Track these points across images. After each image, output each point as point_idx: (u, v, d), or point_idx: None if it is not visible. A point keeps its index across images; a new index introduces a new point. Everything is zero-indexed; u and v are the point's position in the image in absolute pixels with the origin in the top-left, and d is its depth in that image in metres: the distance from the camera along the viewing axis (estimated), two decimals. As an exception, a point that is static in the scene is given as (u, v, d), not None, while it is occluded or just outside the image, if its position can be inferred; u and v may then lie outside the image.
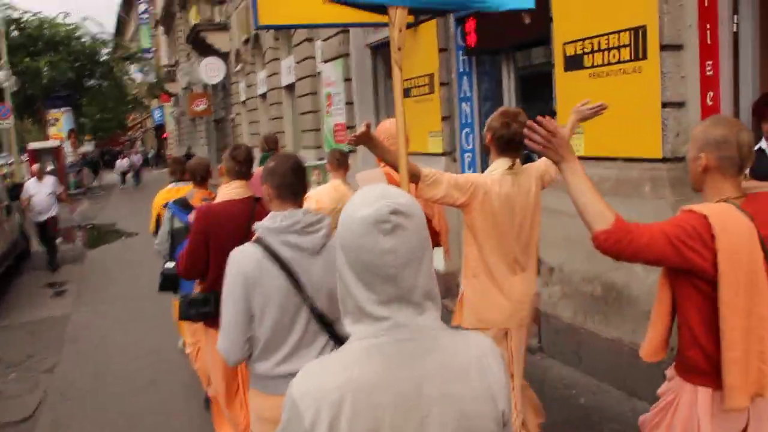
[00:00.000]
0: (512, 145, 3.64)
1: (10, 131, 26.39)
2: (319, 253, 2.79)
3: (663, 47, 5.15)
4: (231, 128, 25.37)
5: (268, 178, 2.90)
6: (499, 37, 7.52)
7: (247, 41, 21.45)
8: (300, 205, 2.90)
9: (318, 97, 14.83)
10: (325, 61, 12.36)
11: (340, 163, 5.86)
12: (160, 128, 57.68)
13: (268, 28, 3.98)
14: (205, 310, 4.00)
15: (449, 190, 3.54)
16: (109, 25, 57.98)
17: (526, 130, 2.47)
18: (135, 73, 39.70)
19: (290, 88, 17.80)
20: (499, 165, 3.70)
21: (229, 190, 4.11)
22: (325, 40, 12.30)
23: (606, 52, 5.66)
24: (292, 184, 2.88)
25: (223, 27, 25.09)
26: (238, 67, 22.94)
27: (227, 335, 2.76)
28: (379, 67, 11.40)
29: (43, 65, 30.52)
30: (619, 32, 5.50)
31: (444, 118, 8.46)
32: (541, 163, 3.87)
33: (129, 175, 36.27)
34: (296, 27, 3.96)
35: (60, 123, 32.69)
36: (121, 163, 36.50)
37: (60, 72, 31.20)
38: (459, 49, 8.27)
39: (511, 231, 3.67)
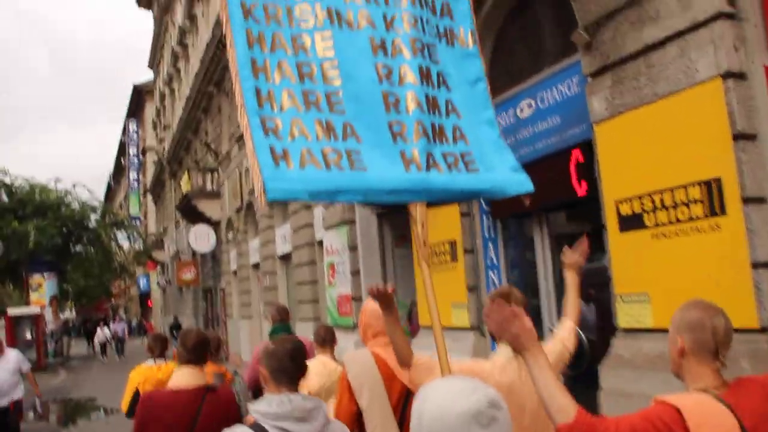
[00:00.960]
0: None
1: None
2: None
3: (745, 200, 4.55)
4: (221, 298, 24.48)
5: (265, 360, 2.84)
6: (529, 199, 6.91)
7: (239, 209, 21.05)
8: (296, 389, 2.80)
9: (317, 267, 14.13)
10: (327, 229, 11.74)
11: (325, 340, 5.68)
12: (144, 296, 56.59)
13: (279, 200, 3.55)
14: None
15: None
16: (99, 192, 58.21)
17: (485, 311, 2.41)
18: (122, 240, 39.18)
19: (286, 257, 17.17)
20: (503, 350, 3.36)
21: (178, 377, 3.91)
22: (327, 206, 11.73)
23: (672, 209, 5.04)
24: (288, 369, 2.81)
25: (215, 195, 24.84)
26: (230, 236, 22.41)
27: None
28: (386, 235, 10.77)
29: (31, 230, 29.95)
30: (686, 186, 4.90)
31: (470, 289, 7.68)
32: (557, 344, 3.55)
33: (111, 347, 34.12)
34: (314, 199, 3.67)
35: (42, 288, 31.70)
36: (102, 333, 33.99)
37: (47, 237, 30.63)
38: (483, 213, 7.67)
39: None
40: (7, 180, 33.07)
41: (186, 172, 26.84)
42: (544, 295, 7.04)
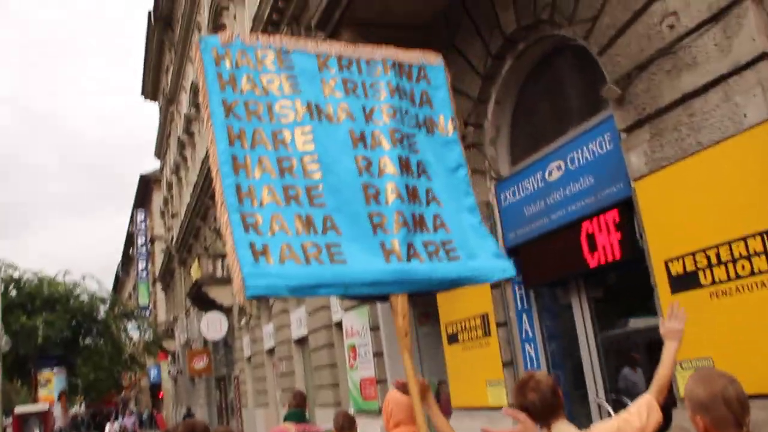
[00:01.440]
0: (534, 416, 3.11)
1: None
2: None
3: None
4: (235, 386, 23.78)
5: None
6: (562, 265, 6.55)
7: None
8: None
9: (335, 350, 13.62)
10: (346, 310, 11.31)
11: (344, 427, 5.38)
12: (155, 387, 55.44)
13: (258, 296, 3.59)
14: None
15: None
16: (108, 283, 57.90)
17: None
18: (132, 330, 38.63)
19: (302, 341, 16.65)
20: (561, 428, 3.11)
21: None
22: (345, 288, 11.34)
23: (731, 264, 4.66)
24: None
25: (226, 281, 24.42)
26: (243, 322, 21.91)
27: None
28: (410, 312, 10.30)
29: (40, 324, 29.51)
30: (745, 238, 4.55)
31: (505, 364, 7.21)
32: (615, 421, 3.17)
33: None
34: (294, 294, 3.59)
35: (51, 384, 31.03)
36: (112, 429, 32.43)
37: (56, 331, 30.17)
38: (515, 283, 7.30)
39: None
40: (16, 274, 32.85)
41: (196, 259, 26.51)
42: (587, 367, 6.56)
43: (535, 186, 6.86)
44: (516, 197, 7.17)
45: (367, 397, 10.45)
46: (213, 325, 24.28)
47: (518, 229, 7.12)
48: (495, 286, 7.31)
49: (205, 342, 30.33)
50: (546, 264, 6.79)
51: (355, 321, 10.85)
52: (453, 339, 7.93)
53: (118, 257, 72.63)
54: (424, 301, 10.47)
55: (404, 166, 4.09)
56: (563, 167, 6.48)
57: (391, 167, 4.01)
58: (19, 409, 27.88)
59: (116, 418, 33.28)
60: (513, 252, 7.24)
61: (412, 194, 4.02)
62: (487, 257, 3.95)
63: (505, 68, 7.43)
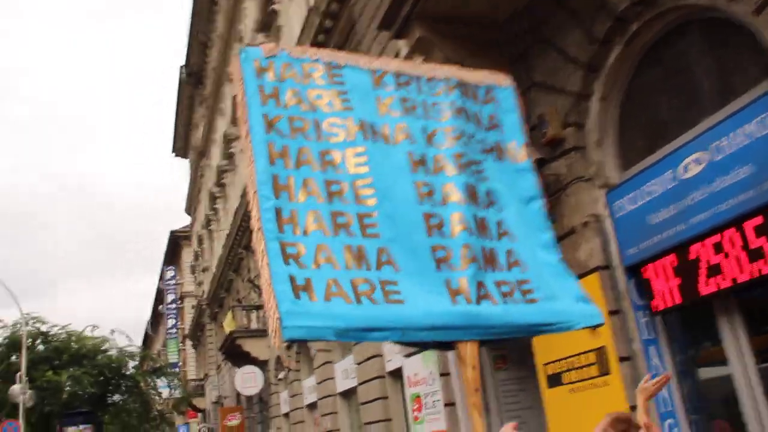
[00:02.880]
0: None
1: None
2: None
3: None
4: (271, 445, 22.36)
5: None
6: (707, 281, 5.27)
7: (290, 345, 19.33)
8: None
9: (390, 402, 12.27)
10: (408, 356, 10.00)
11: None
12: (184, 448, 53.89)
13: (298, 339, 3.17)
14: None
15: None
16: (137, 341, 56.99)
17: None
18: (162, 387, 37.30)
19: (348, 394, 15.30)
20: None
21: None
22: (406, 329, 10.06)
23: None
24: None
25: (261, 333, 23.20)
26: (280, 375, 20.57)
27: None
28: (484, 356, 8.99)
29: (65, 379, 28.35)
30: None
31: (633, 408, 5.83)
32: None
33: None
34: (341, 338, 2.92)
35: (77, 442, 29.66)
36: None
37: (83, 387, 28.96)
38: (636, 308, 6.01)
39: None
40: (43, 328, 31.89)
41: (230, 311, 25.36)
42: (748, 410, 5.18)
43: (665, 187, 5.61)
44: (636, 204, 5.92)
45: (439, 454, 9.06)
46: (248, 380, 22.93)
47: (641, 243, 5.85)
48: (614, 312, 6.02)
49: (238, 399, 28.99)
50: (683, 281, 5.48)
51: (420, 367, 9.53)
52: (555, 381, 6.61)
53: (147, 317, 72.00)
54: (499, 342, 9.22)
55: (471, 194, 3.74)
56: (705, 159, 5.24)
57: (456, 195, 3.67)
58: (44, 472, 26.55)
59: None
60: (634, 270, 5.98)
61: (480, 226, 3.66)
62: (570, 301, 3.61)
63: (612, 57, 6.28)
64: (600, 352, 6.04)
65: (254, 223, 3.27)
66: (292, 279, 3.08)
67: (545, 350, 6.75)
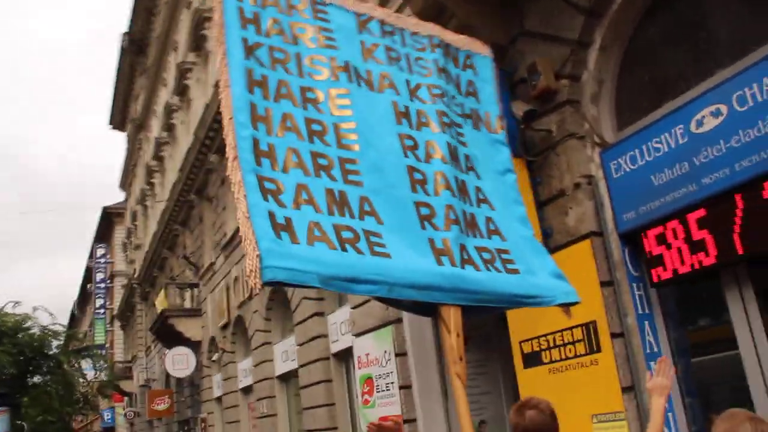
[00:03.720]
0: None
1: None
2: None
3: None
4: (201, 430, 21.27)
5: None
6: (718, 249, 4.67)
7: (226, 326, 18.38)
8: None
9: (333, 386, 11.52)
10: (359, 335, 9.24)
11: None
12: (108, 431, 52.07)
13: (280, 282, 2.67)
14: None
15: None
16: (62, 320, 54.87)
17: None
18: (87, 369, 35.68)
19: (287, 376, 14.49)
20: None
21: None
22: (357, 306, 9.29)
23: None
24: None
25: (195, 313, 22.17)
26: (215, 357, 19.58)
27: None
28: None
29: (-19, 359, 26.77)
30: None
31: (625, 390, 5.18)
32: None
33: None
34: (327, 286, 2.46)
35: (-9, 426, 27.97)
36: None
37: (0, 367, 27.36)
38: (632, 280, 5.39)
39: None
40: (-41, 306, 30.12)
41: (162, 289, 24.19)
42: (759, 392, 4.60)
43: (673, 144, 4.97)
44: (635, 165, 5.27)
45: (389, 441, 8.32)
46: (179, 362, 21.84)
47: (639, 207, 5.21)
48: (606, 283, 5.36)
49: (168, 382, 27.83)
50: (687, 249, 4.87)
51: (373, 347, 8.76)
52: (533, 360, 5.93)
53: (73, 297, 69.61)
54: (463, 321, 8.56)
55: (453, 155, 3.60)
56: (723, 112, 4.62)
57: (439, 153, 3.54)
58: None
59: None
60: (630, 237, 5.35)
61: (462, 189, 3.53)
62: (547, 276, 3.50)
63: (617, 1, 5.63)
64: (589, 327, 5.38)
65: (229, 152, 2.93)
66: (271, 215, 2.81)
67: (522, 327, 6.08)
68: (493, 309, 3.75)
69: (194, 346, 22.02)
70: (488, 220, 3.60)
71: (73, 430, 55.42)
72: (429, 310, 3.21)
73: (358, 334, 9.31)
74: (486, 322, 8.67)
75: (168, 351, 22.54)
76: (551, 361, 5.73)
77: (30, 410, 39.30)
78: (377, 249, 3.04)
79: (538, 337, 5.87)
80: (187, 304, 23.37)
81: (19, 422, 37.46)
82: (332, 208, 3.08)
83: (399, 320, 8.33)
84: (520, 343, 6.12)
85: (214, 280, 19.80)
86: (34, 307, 50.34)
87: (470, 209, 3.54)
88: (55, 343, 32.83)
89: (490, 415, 8.26)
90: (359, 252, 2.97)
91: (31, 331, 31.43)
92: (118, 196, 51.15)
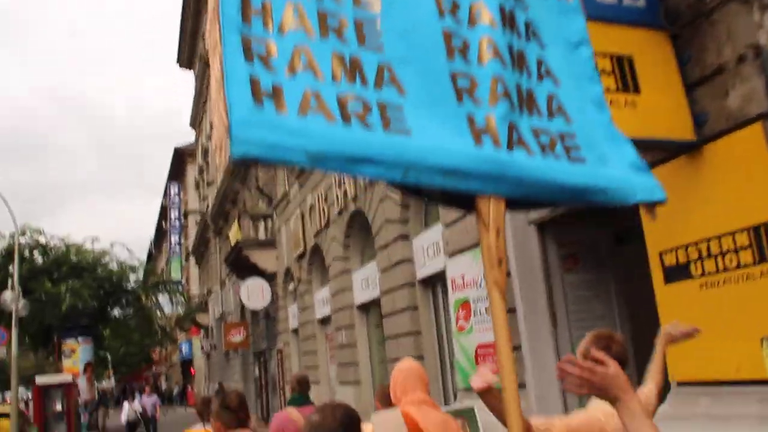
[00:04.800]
0: None
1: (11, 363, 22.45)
2: None
3: None
4: (278, 362, 21.09)
5: None
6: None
7: (302, 256, 17.86)
8: None
9: (419, 313, 10.80)
10: (453, 255, 8.42)
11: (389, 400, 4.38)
12: (187, 363, 53.50)
13: (253, 158, 2.16)
14: None
15: None
16: (140, 254, 56.08)
17: (559, 366, 1.96)
18: (165, 304, 36.23)
19: (367, 306, 13.86)
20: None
21: None
22: (451, 224, 8.45)
23: None
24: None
25: (269, 244, 21.77)
26: (291, 287, 19.15)
27: None
28: (551, 254, 7.44)
29: (64, 291, 27.16)
30: None
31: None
32: (644, 390, 3.31)
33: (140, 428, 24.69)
34: (316, 164, 1.80)
35: (76, 355, 28.55)
36: (129, 409, 24.06)
37: (82, 300, 27.78)
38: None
39: None
40: (42, 239, 30.63)
41: (236, 221, 23.88)
42: None
43: None
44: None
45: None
46: (254, 293, 21.54)
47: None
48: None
49: (243, 314, 27.83)
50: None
51: (470, 267, 7.93)
52: (678, 274, 4.99)
53: (150, 237, 71.18)
54: (570, 238, 7.64)
55: (507, 19, 2.89)
56: None
57: (487, 16, 2.80)
58: (41, 380, 25.44)
59: (135, 395, 26.16)
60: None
61: (517, 59, 2.84)
62: (625, 168, 2.82)
63: None
64: (759, 231, 4.39)
65: (210, 3, 2.43)
66: (253, 82, 2.30)
67: (663, 234, 5.12)
68: (547, 203, 3.18)
69: (269, 277, 21.70)
70: (551, 97, 3.01)
71: (153, 361, 57.29)
72: (464, 201, 2.64)
73: (452, 254, 8.49)
74: (596, 239, 7.76)
75: (243, 283, 22.29)
76: (704, 274, 4.77)
77: (112, 342, 40.46)
78: (394, 125, 2.50)
79: (685, 246, 4.91)
80: (261, 236, 23.03)
81: (103, 353, 38.62)
82: (339, 74, 2.52)
83: (444, 205, 7.44)
84: (660, 254, 5.17)
85: (289, 210, 19.27)
86: (112, 242, 51.46)
87: (528, 83, 2.93)
88: (132, 277, 33.32)
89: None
90: (367, 126, 2.44)
91: (110, 266, 31.92)
92: (190, 137, 51.35)
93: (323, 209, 15.41)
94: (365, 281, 13.56)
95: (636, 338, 7.34)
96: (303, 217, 17.48)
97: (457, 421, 6.70)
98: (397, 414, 3.69)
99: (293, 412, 5.93)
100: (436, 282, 10.57)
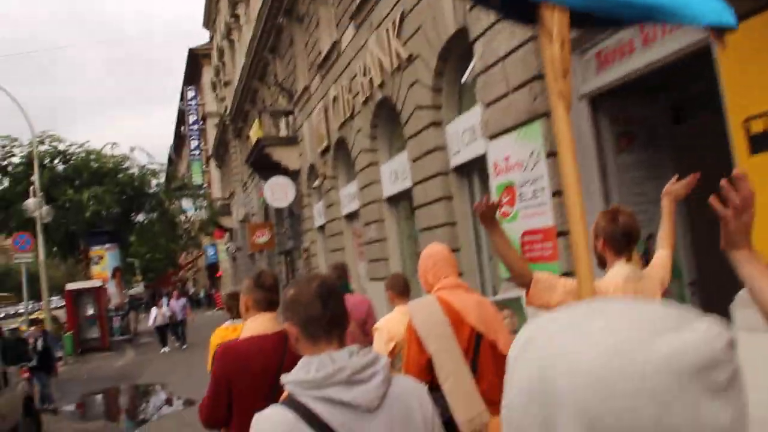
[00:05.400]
0: (627, 242, 3.19)
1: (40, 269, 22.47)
2: (378, 409, 1.97)
3: None
4: (304, 260, 20.88)
5: (288, 312, 2.13)
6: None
7: (326, 150, 17.30)
8: (341, 344, 2.08)
9: (455, 203, 10.29)
10: (494, 137, 7.81)
11: (403, 289, 5.13)
12: (213, 267, 54.00)
13: None
14: None
15: (565, 296, 2.96)
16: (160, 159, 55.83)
17: (724, 186, 1.90)
18: (188, 209, 36.10)
19: (396, 199, 13.37)
20: (618, 270, 3.10)
21: (256, 324, 3.40)
22: (493, 102, 7.80)
23: None
24: (323, 316, 2.07)
25: (291, 141, 21.18)
26: (315, 184, 18.67)
27: None
28: (604, 132, 6.82)
29: (87, 198, 27.00)
30: None
31: None
32: (659, 266, 3.34)
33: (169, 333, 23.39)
34: None
35: (104, 261, 28.67)
36: (158, 314, 22.89)
37: (105, 206, 27.65)
38: None
39: None
40: (61, 147, 30.35)
41: (256, 119, 23.25)
42: None
43: None
44: None
45: (539, 258, 7.04)
46: (278, 192, 21.12)
47: None
48: None
49: (266, 215, 27.60)
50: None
51: (515, 148, 7.32)
52: (757, 144, 4.39)
53: (168, 144, 70.90)
54: (624, 113, 7.00)
55: None
56: None
57: None
58: (71, 286, 25.69)
59: (161, 303, 24.08)
60: None
61: None
62: None
63: None
64: None
65: None
66: None
67: (748, 97, 4.48)
68: (611, 22, 3.08)
69: (292, 175, 21.23)
70: None
71: (179, 266, 57.94)
72: (524, 12, 2.52)
73: (493, 136, 7.88)
74: (652, 116, 7.12)
75: (265, 182, 21.87)
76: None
77: (138, 248, 40.69)
78: None
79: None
80: (283, 133, 22.47)
81: (130, 260, 38.90)
82: None
83: (546, 115, 6.82)
84: (745, 121, 4.54)
85: (310, 104, 18.57)
86: (132, 147, 51.31)
87: None
88: (154, 182, 33.11)
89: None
90: None
91: (130, 171, 31.67)
92: (204, 39, 50.10)
93: (347, 100, 14.73)
94: (394, 173, 13.01)
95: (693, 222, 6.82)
96: (326, 110, 16.81)
97: (503, 311, 6.31)
98: (431, 299, 3.70)
99: None
100: (471, 169, 10.00)
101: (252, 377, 3.22)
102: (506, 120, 7.50)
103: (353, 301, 6.04)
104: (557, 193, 6.73)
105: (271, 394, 2.99)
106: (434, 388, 3.37)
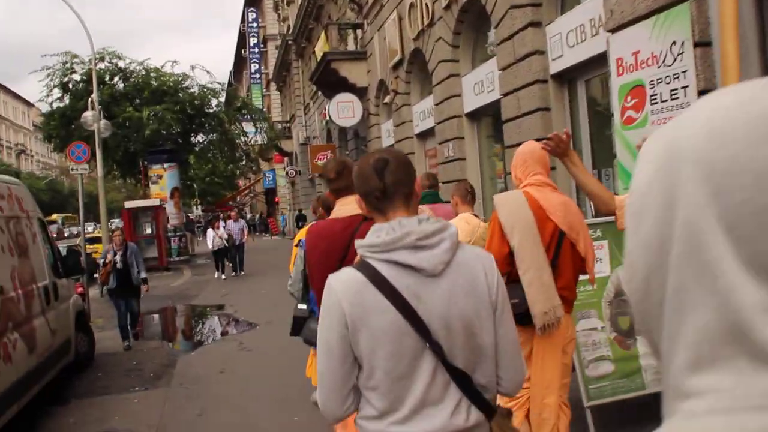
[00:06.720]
0: None
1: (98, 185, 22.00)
2: (442, 275, 2.01)
3: None
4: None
5: (355, 187, 2.24)
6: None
7: (398, 64, 16.07)
8: (410, 211, 2.12)
9: (553, 114, 9.08)
10: (620, 27, 6.52)
11: (468, 196, 5.52)
12: (271, 192, 53.61)
13: None
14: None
15: None
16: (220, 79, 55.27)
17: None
18: (248, 132, 35.22)
19: (478, 113, 12.17)
20: None
21: (344, 208, 3.39)
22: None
23: None
24: (379, 187, 2.09)
25: (360, 56, 19.95)
26: (387, 99, 17.49)
27: (323, 385, 2.07)
28: (770, 16, 5.52)
29: (147, 116, 26.36)
30: None
31: None
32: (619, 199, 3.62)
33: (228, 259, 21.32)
34: None
35: (163, 181, 28.14)
36: (215, 236, 20.76)
37: (165, 125, 26.98)
38: None
39: None
40: (121, 64, 29.64)
41: (322, 33, 22.03)
42: None
43: None
44: None
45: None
46: (344, 110, 19.99)
47: None
48: None
49: (329, 137, 26.62)
50: None
51: (648, 41, 6.02)
52: None
53: (230, 68, 70.07)
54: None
55: None
56: None
57: None
58: (130, 204, 25.27)
59: (217, 225, 21.43)
60: None
61: None
62: None
63: None
64: None
65: None
66: None
67: None
68: None
69: (359, 92, 20.06)
70: None
71: (238, 190, 57.76)
72: None
73: (616, 29, 6.60)
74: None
75: (330, 101, 20.77)
76: None
77: (197, 171, 40.22)
78: None
79: None
80: (351, 47, 21.24)
81: (190, 182, 38.45)
82: None
83: None
84: None
85: (382, 15, 17.26)
86: (192, 65, 50.58)
87: None
88: (214, 102, 32.29)
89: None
90: None
91: (191, 90, 30.87)
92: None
93: (426, 5, 13.42)
94: (477, 85, 11.79)
95: None
96: (400, 19, 15.52)
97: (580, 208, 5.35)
98: (518, 193, 3.76)
99: (426, 210, 5.13)
100: (575, 75, 8.76)
101: (319, 255, 3.32)
102: (636, 7, 6.21)
103: (442, 212, 5.73)
104: (704, 91, 5.48)
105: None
106: (513, 281, 3.57)
